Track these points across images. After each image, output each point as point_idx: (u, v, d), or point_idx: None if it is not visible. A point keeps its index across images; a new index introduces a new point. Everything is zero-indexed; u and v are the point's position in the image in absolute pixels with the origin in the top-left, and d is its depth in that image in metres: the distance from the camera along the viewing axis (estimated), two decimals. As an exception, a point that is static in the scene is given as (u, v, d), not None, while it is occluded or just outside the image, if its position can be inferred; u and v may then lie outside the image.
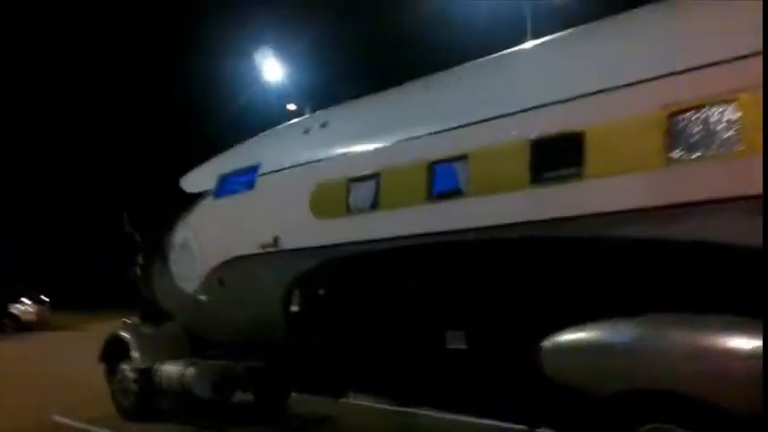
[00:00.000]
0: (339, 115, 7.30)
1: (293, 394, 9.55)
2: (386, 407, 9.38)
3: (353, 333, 6.57)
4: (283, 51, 28.05)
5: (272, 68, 27.71)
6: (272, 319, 7.38)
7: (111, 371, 9.86)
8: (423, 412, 9.06)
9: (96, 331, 27.64)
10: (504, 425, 7.43)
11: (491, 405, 5.82)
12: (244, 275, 7.72)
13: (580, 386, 4.61)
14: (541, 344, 4.75)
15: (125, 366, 9.55)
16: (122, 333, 9.70)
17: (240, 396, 9.23)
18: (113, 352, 9.84)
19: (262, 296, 7.48)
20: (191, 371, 8.52)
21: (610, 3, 6.77)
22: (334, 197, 6.53)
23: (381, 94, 7.05)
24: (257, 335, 7.91)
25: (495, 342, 5.34)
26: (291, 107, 29.45)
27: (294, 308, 6.93)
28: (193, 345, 9.41)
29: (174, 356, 9.13)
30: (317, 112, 7.73)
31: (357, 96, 7.78)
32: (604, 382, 4.50)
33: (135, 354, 9.27)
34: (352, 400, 8.89)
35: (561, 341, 4.68)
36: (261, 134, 8.68)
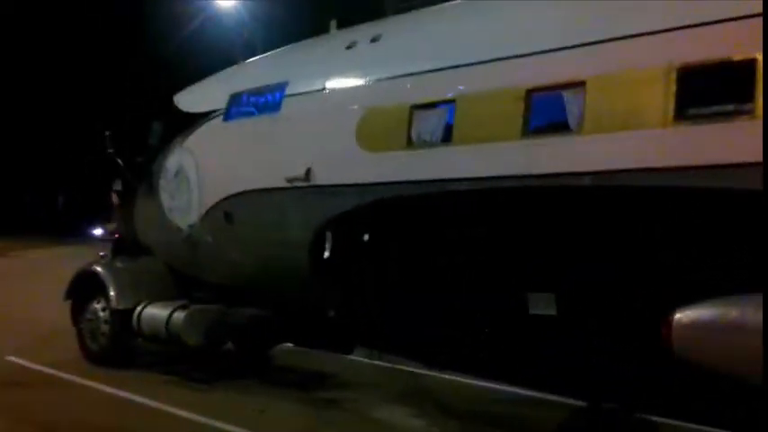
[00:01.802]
0: (395, 29, 6.19)
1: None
2: (383, 364, 8.53)
3: (400, 285, 5.65)
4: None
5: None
6: (293, 263, 6.40)
7: (79, 310, 8.71)
8: (422, 372, 8.28)
9: (34, 260, 26.15)
10: (524, 391, 6.78)
11: (564, 381, 5.03)
12: (260, 211, 6.67)
13: (722, 370, 3.81)
14: (672, 316, 3.91)
15: (97, 306, 8.43)
16: (96, 268, 8.53)
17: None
18: (83, 289, 8.69)
19: (282, 236, 6.46)
20: (180, 315, 7.49)
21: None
22: (390, 127, 5.51)
23: (453, 5, 5.95)
24: (267, 279, 6.92)
25: (593, 311, 4.50)
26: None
27: (326, 252, 5.95)
28: (178, 285, 8.37)
29: (156, 297, 8.08)
30: (361, 25, 6.60)
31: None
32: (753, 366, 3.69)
33: (112, 292, 8.15)
34: (351, 357, 8.05)
35: (704, 313, 3.85)
36: (281, 49, 7.49)
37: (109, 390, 7.36)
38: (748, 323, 3.59)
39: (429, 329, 5.81)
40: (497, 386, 7.28)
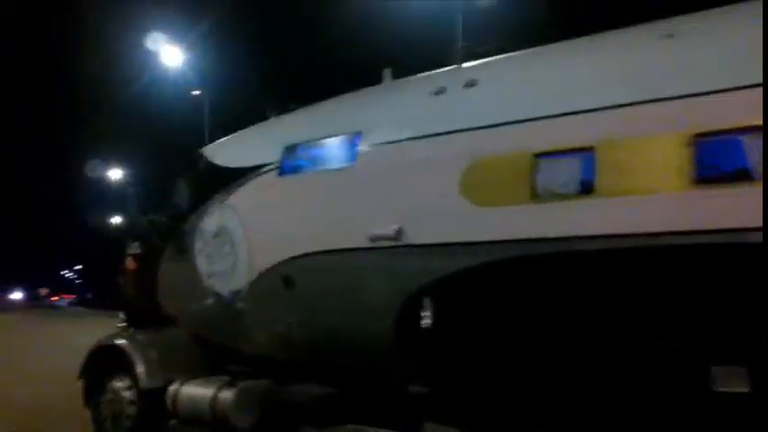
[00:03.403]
0: (496, 72, 5.63)
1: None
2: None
3: (515, 357, 4.99)
4: (179, 37, 27.53)
5: (169, 54, 27.48)
6: (370, 332, 5.68)
7: (94, 389, 7.74)
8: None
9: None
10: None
11: None
12: (331, 275, 5.93)
13: None
14: None
15: (119, 384, 7.49)
16: (118, 342, 7.62)
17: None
18: (100, 365, 7.75)
19: (359, 303, 5.73)
20: (228, 393, 6.62)
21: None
22: (508, 178, 4.90)
23: (563, 46, 5.38)
24: (333, 351, 6.15)
25: None
26: (195, 92, 29.01)
27: (423, 320, 5.25)
28: (207, 359, 7.51)
29: (188, 373, 7.21)
30: (444, 69, 6.03)
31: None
32: None
33: (140, 369, 7.24)
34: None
35: None
36: (334, 100, 6.84)
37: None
38: None
39: (540, 410, 5.14)
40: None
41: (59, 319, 46.85)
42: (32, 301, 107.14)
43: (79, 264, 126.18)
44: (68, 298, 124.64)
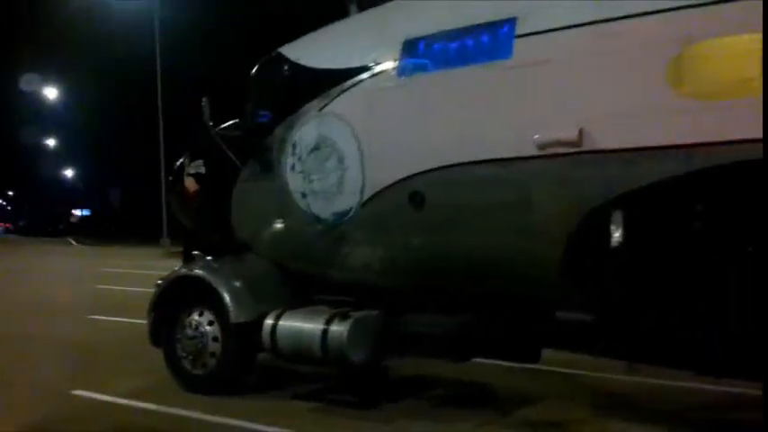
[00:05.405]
0: None
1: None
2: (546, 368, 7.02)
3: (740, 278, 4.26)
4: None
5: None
6: (541, 255, 4.91)
7: (167, 325, 6.89)
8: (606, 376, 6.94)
9: None
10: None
11: None
12: (486, 190, 5.09)
13: None
14: None
15: (199, 319, 6.66)
16: (199, 272, 6.75)
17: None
18: (175, 298, 6.91)
19: (528, 222, 4.91)
20: (341, 327, 5.86)
21: None
22: (741, 65, 4.07)
23: None
24: (482, 277, 5.41)
25: None
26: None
27: (614, 240, 4.48)
28: (291, 288, 6.73)
29: (277, 304, 6.42)
30: None
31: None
32: None
33: (228, 301, 6.41)
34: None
35: None
36: None
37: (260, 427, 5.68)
38: None
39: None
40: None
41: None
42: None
43: (10, 190, 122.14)
44: (1, 226, 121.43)
